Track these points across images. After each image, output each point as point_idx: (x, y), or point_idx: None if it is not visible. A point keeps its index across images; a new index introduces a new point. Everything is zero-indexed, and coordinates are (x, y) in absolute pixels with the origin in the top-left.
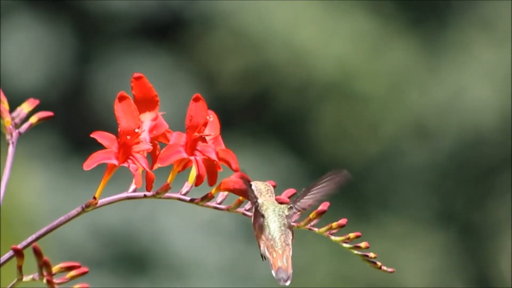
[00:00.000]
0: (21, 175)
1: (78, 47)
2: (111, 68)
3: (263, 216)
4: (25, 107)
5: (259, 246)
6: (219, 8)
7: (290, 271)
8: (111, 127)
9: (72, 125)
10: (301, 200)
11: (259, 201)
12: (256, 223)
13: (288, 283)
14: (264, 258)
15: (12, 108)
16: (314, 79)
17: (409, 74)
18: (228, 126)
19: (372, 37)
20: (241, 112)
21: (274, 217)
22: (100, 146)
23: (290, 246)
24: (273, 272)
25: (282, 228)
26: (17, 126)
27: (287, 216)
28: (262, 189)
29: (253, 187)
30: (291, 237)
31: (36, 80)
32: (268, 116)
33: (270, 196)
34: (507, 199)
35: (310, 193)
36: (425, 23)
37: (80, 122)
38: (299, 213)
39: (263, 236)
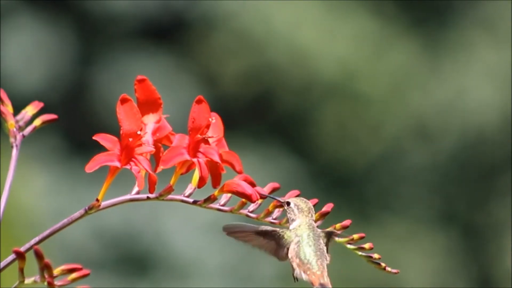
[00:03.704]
0: (22, 176)
1: (80, 48)
2: (112, 69)
3: (298, 241)
4: (29, 110)
5: (292, 268)
6: (221, 10)
7: (330, 286)
8: (112, 128)
9: (73, 126)
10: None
11: (296, 222)
12: (290, 246)
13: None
14: (296, 280)
15: (14, 110)
16: (316, 80)
17: (410, 75)
18: (230, 127)
19: (374, 38)
20: (243, 113)
21: (309, 241)
22: (102, 148)
23: (326, 269)
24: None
25: (318, 252)
26: (21, 129)
27: (324, 241)
28: (303, 207)
29: (292, 205)
30: (326, 261)
31: (38, 82)
32: (270, 117)
33: (311, 217)
34: (509, 199)
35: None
36: (426, 24)
37: (82, 124)
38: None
39: (298, 260)
